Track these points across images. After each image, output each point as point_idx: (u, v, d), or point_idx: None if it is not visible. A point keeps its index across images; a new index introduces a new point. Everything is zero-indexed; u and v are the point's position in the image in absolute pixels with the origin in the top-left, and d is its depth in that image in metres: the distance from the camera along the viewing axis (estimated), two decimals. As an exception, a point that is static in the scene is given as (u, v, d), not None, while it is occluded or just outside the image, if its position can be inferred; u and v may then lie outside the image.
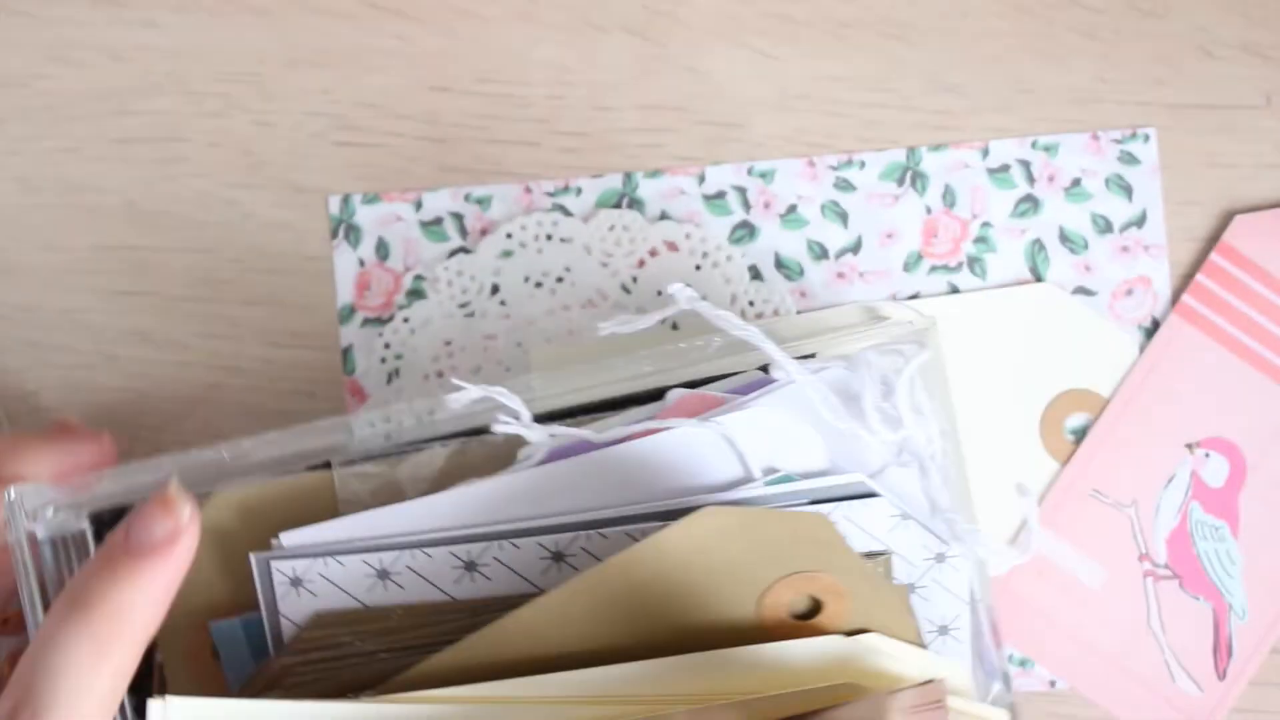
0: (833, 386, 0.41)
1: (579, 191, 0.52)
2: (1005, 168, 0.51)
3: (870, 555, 0.40)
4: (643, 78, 0.52)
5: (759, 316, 0.51)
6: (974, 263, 0.51)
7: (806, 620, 0.40)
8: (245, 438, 0.41)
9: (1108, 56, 0.52)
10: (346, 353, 0.52)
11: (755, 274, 0.51)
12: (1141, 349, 0.51)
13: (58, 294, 0.52)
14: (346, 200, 0.52)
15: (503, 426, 0.40)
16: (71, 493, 0.41)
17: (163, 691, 0.41)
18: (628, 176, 0.52)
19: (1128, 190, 0.51)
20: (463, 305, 0.51)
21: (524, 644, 0.38)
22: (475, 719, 0.36)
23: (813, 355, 0.43)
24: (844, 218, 0.52)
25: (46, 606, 0.39)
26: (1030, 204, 0.51)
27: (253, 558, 0.40)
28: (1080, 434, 0.51)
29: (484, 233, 0.52)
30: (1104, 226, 0.51)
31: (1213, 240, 0.51)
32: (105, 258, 0.52)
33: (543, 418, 0.41)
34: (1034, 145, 0.51)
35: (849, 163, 0.52)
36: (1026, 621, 0.50)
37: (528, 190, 0.52)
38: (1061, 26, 0.52)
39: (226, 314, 0.52)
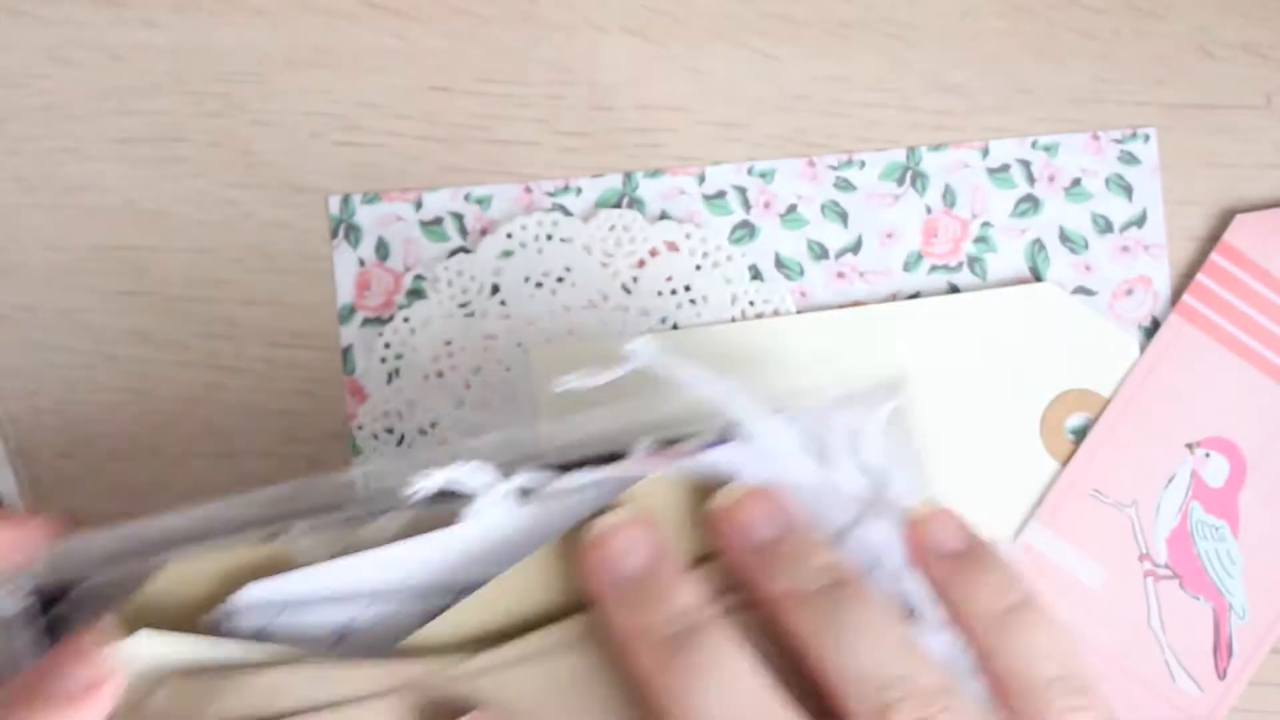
0: (801, 438, 0.39)
1: (579, 191, 0.52)
2: (1005, 168, 0.51)
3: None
4: (643, 78, 0.52)
5: (759, 316, 0.51)
6: (974, 262, 0.51)
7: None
8: (211, 501, 0.39)
9: (1108, 56, 0.52)
10: (346, 353, 0.52)
11: (755, 274, 0.51)
12: (1141, 349, 0.51)
13: (58, 294, 0.52)
14: (346, 200, 0.52)
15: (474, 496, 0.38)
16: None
17: None
18: (628, 176, 0.52)
19: (1128, 190, 0.51)
20: (463, 305, 0.51)
21: (488, 619, 0.37)
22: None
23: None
24: (844, 217, 0.52)
25: None
26: (1030, 204, 0.51)
27: (204, 620, 0.37)
28: (1080, 434, 0.51)
29: (484, 233, 0.52)
30: (1104, 226, 0.51)
31: (1213, 240, 0.51)
32: (105, 258, 0.52)
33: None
34: (1034, 145, 0.51)
35: (849, 163, 0.52)
36: (1026, 621, 0.50)
37: (528, 190, 0.52)
38: (1061, 26, 0.52)
39: (226, 314, 0.52)
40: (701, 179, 0.52)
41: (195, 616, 0.37)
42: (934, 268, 0.51)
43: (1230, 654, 0.50)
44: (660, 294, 0.51)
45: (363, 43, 0.52)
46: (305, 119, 0.52)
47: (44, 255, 0.52)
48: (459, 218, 0.52)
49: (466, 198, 0.52)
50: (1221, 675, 0.50)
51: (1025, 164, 0.51)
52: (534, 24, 0.52)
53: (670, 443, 0.40)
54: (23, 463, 0.52)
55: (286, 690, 0.35)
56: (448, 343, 0.51)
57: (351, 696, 0.35)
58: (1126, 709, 0.50)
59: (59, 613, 0.37)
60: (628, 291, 0.51)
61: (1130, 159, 0.51)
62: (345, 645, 0.37)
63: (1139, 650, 0.50)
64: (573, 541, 0.36)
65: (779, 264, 0.51)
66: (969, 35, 0.52)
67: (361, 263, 0.52)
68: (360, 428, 0.51)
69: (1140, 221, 0.51)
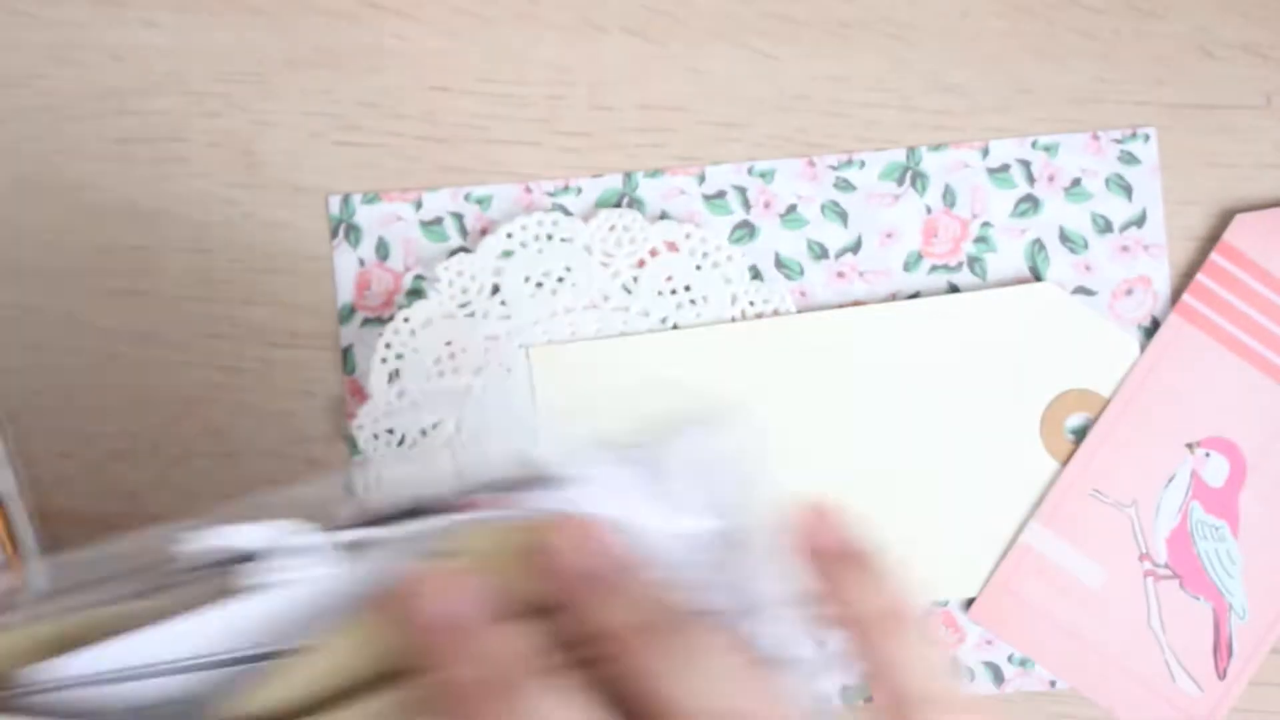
0: (639, 476, 0.37)
1: (579, 191, 0.52)
2: (1005, 167, 0.51)
3: None
4: (643, 78, 0.52)
5: (759, 316, 0.51)
6: (974, 262, 0.51)
7: None
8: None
9: (1108, 56, 0.52)
10: (346, 353, 0.52)
11: (755, 274, 0.51)
12: (1141, 349, 0.51)
13: (58, 294, 0.52)
14: (346, 200, 0.52)
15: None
16: None
17: None
18: (628, 176, 0.52)
19: (1128, 190, 0.51)
20: (463, 305, 0.51)
21: (303, 686, 0.34)
22: None
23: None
24: (844, 217, 0.52)
25: None
26: (1030, 204, 0.51)
27: None
28: (1080, 434, 0.51)
29: (484, 232, 0.52)
30: (1104, 226, 0.51)
31: (1212, 240, 0.51)
32: (105, 258, 0.52)
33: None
34: (1034, 145, 0.51)
35: (849, 163, 0.52)
36: (1026, 621, 0.50)
37: (528, 190, 0.52)
38: (1061, 26, 0.52)
39: (226, 314, 0.52)
40: (701, 179, 0.52)
41: None
42: (934, 268, 0.51)
43: (1230, 654, 0.50)
44: (660, 294, 0.51)
45: (363, 43, 0.52)
46: (305, 119, 0.52)
47: (44, 255, 0.52)
48: (459, 218, 0.52)
49: (466, 198, 0.52)
50: (1221, 675, 0.50)
51: (1025, 164, 0.51)
52: (534, 24, 0.52)
53: (502, 488, 0.37)
54: (23, 463, 0.52)
55: None
56: (448, 343, 0.51)
57: None
58: (1126, 709, 0.50)
59: None
60: (628, 291, 0.51)
61: (1130, 159, 0.51)
62: None
63: (1139, 650, 0.50)
64: (392, 597, 0.34)
65: (779, 264, 0.51)
66: (969, 35, 0.52)
67: (361, 263, 0.52)
68: (360, 428, 0.51)
69: (1140, 221, 0.51)
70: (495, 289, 0.51)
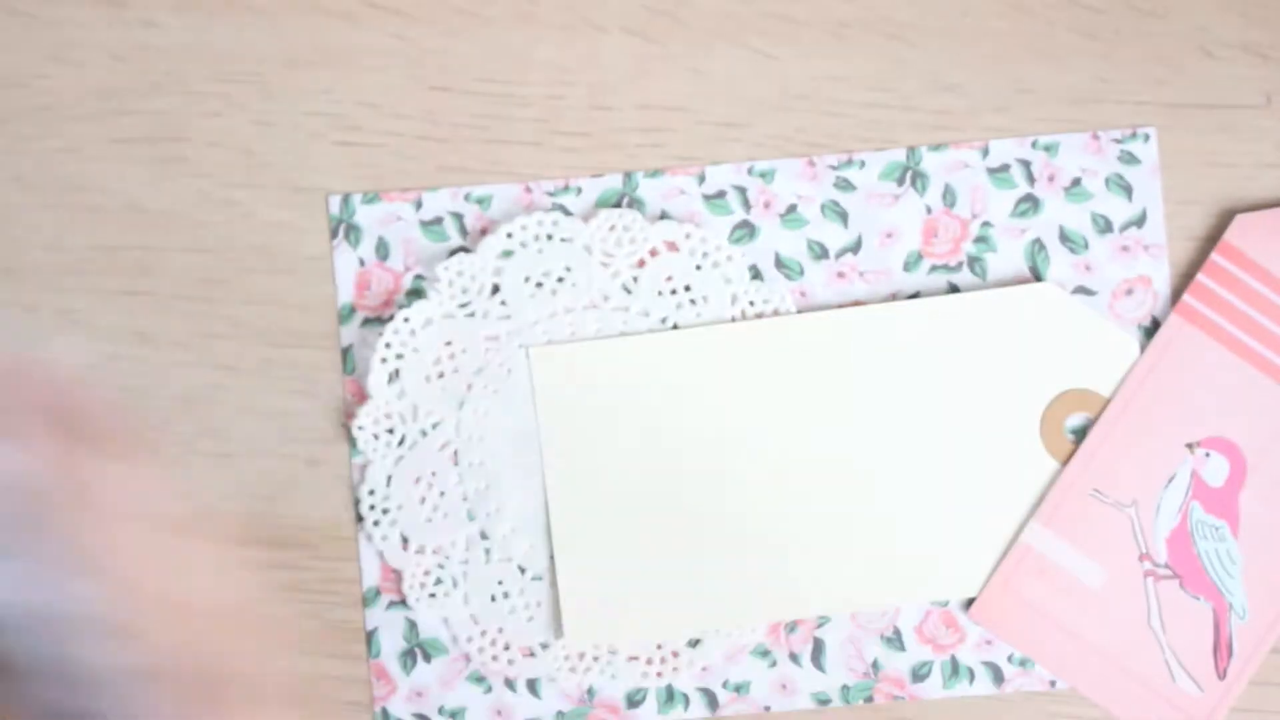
0: None
1: (579, 191, 0.52)
2: (1005, 167, 0.51)
3: None
4: (643, 78, 0.52)
5: (759, 316, 0.51)
6: (974, 262, 0.51)
7: None
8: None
9: (1108, 56, 0.52)
10: (346, 353, 0.52)
11: (755, 274, 0.51)
12: (1141, 349, 0.51)
13: (58, 294, 0.52)
14: (346, 200, 0.52)
15: None
16: None
17: None
18: (628, 176, 0.52)
19: (1128, 190, 0.51)
20: (463, 305, 0.51)
21: None
22: None
23: None
24: (844, 217, 0.52)
25: None
26: (1030, 204, 0.51)
27: None
28: (1080, 434, 0.51)
29: (484, 232, 0.52)
30: (1104, 226, 0.51)
31: (1212, 240, 0.51)
32: (105, 258, 0.52)
33: None
34: (1034, 145, 0.51)
35: (849, 162, 0.52)
36: (1026, 621, 0.50)
37: (528, 190, 0.52)
38: (1061, 26, 0.52)
39: (226, 314, 0.52)
40: (701, 179, 0.52)
41: None
42: (934, 268, 0.51)
43: (1230, 654, 0.50)
44: (660, 294, 0.51)
45: (363, 43, 0.52)
46: (305, 119, 0.52)
47: (44, 255, 0.52)
48: (459, 218, 0.52)
49: (466, 198, 0.52)
50: (1221, 675, 0.50)
51: (1025, 164, 0.51)
52: (534, 24, 0.52)
53: None
54: (23, 463, 0.52)
55: None
56: (448, 343, 0.51)
57: None
58: (1126, 709, 0.50)
59: None
60: (628, 291, 0.51)
61: (1130, 159, 0.51)
62: None
63: (1139, 650, 0.50)
64: None
65: (779, 264, 0.51)
66: (969, 35, 0.52)
67: (361, 263, 0.52)
68: (360, 428, 0.51)
69: (1140, 221, 0.51)
70: (495, 289, 0.51)
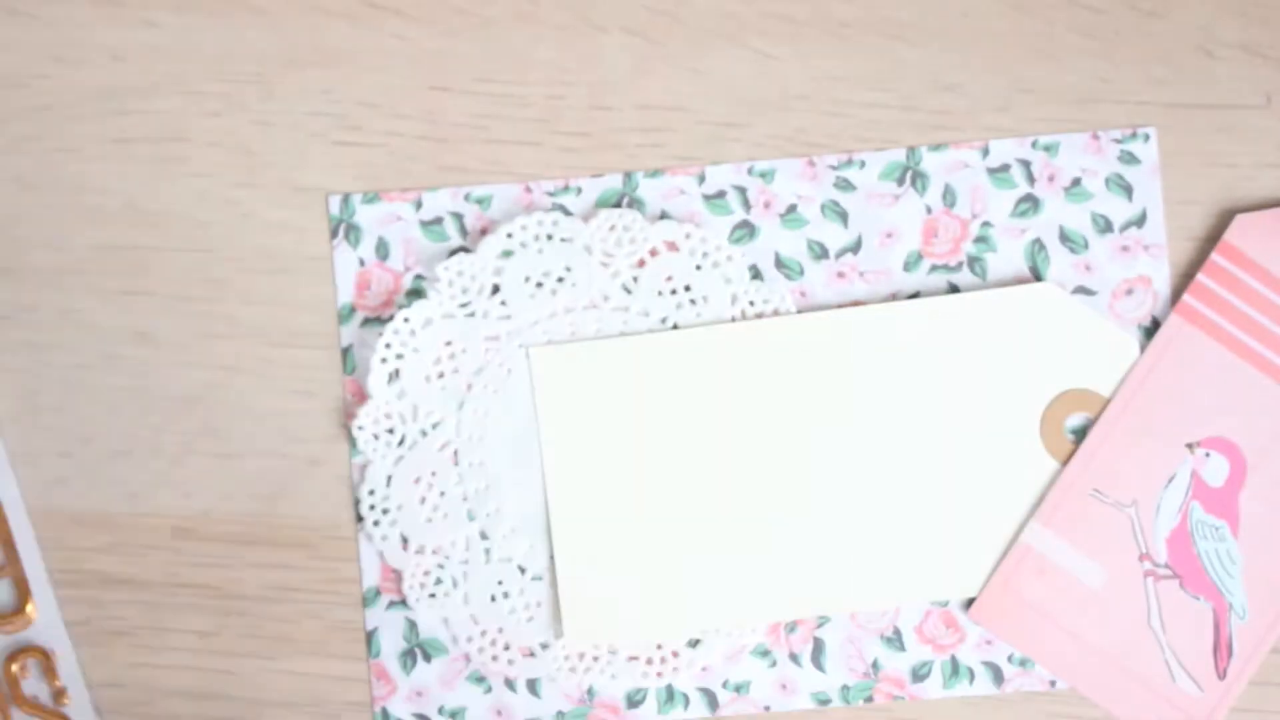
0: None
1: (579, 191, 0.52)
2: (1005, 167, 0.51)
3: None
4: (643, 78, 0.52)
5: (759, 316, 0.51)
6: (974, 262, 0.51)
7: None
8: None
9: (1108, 56, 0.52)
10: (346, 353, 0.52)
11: (755, 274, 0.51)
12: (1141, 349, 0.51)
13: (58, 294, 0.52)
14: (346, 200, 0.52)
15: None
16: None
17: None
18: (628, 176, 0.52)
19: (1128, 190, 0.51)
20: (463, 305, 0.51)
21: None
22: None
23: None
24: (844, 217, 0.52)
25: None
26: (1030, 204, 0.51)
27: None
28: (1080, 434, 0.51)
29: (484, 232, 0.52)
30: (1104, 226, 0.51)
31: (1213, 240, 0.51)
32: (105, 258, 0.52)
33: None
34: (1034, 145, 0.51)
35: (849, 162, 0.52)
36: (1026, 621, 0.50)
37: (528, 190, 0.52)
38: (1061, 26, 0.52)
39: (226, 314, 0.52)
40: (701, 179, 0.52)
41: None
42: (934, 268, 0.51)
43: (1230, 654, 0.50)
44: (660, 294, 0.51)
45: (363, 43, 0.52)
46: (305, 119, 0.52)
47: (44, 255, 0.52)
48: (459, 218, 0.52)
49: (466, 198, 0.52)
50: (1221, 675, 0.50)
51: (1025, 164, 0.51)
52: (534, 24, 0.52)
53: None
54: (23, 463, 0.52)
55: None
56: (448, 343, 0.51)
57: None
58: (1126, 709, 0.50)
59: None
60: (628, 291, 0.51)
61: (1130, 159, 0.51)
62: None
63: (1139, 650, 0.50)
64: None
65: (779, 264, 0.51)
66: (969, 35, 0.52)
67: (361, 262, 0.52)
68: (360, 428, 0.51)
69: (1140, 221, 0.51)
70: (495, 289, 0.51)
